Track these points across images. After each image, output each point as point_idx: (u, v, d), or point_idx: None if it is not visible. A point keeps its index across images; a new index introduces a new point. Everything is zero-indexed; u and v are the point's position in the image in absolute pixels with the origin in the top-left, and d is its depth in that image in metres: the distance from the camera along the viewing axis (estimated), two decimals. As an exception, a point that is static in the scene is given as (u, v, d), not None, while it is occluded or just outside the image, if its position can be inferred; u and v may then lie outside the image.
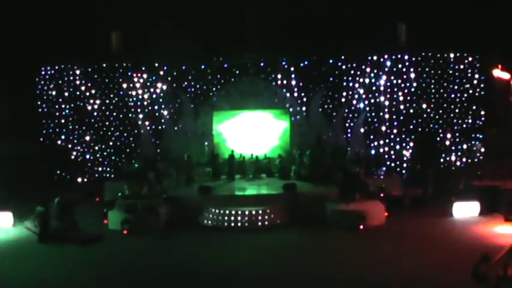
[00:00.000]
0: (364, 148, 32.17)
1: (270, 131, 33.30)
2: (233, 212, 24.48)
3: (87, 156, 33.15)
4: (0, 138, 30.36)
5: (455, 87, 32.39)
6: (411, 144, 32.67)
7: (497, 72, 30.81)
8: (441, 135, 32.55)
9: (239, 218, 24.23)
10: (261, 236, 22.61)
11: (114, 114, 33.09)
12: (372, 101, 32.99)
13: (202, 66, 33.12)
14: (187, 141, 33.04)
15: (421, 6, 30.23)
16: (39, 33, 31.38)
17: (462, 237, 20.70)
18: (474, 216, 23.90)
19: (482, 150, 32.25)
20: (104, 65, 32.81)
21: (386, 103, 32.79)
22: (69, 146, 32.98)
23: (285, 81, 33.34)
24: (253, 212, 24.45)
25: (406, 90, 32.59)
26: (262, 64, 33.11)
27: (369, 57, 32.75)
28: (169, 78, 33.27)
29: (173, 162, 31.29)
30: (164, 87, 33.28)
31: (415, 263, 17.47)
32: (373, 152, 31.80)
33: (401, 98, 32.61)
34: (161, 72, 33.17)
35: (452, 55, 32.27)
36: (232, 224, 24.13)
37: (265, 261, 18.65)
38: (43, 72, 32.84)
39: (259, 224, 24.09)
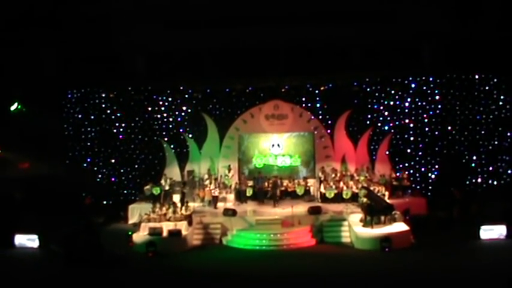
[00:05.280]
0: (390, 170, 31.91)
1: (295, 154, 33.23)
2: (258, 235, 24.57)
3: (113, 179, 33.32)
4: (26, 159, 30.76)
5: (481, 108, 32.09)
6: (437, 166, 32.45)
7: None
8: (467, 157, 32.28)
9: (264, 241, 24.30)
10: (289, 258, 22.59)
11: (139, 137, 33.26)
12: (397, 123, 32.83)
13: (227, 90, 33.19)
14: (212, 164, 33.09)
15: (446, 27, 30.19)
16: (66, 58, 31.84)
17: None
18: (502, 239, 23.61)
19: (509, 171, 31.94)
20: (129, 88, 33.02)
21: (412, 125, 32.65)
22: (95, 168, 33.18)
23: (309, 104, 33.29)
24: (278, 235, 24.50)
25: (431, 112, 32.41)
26: (286, 87, 33.07)
27: (394, 80, 32.64)
28: (194, 101, 33.38)
29: (198, 185, 31.49)
30: (189, 110, 33.40)
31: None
32: (398, 174, 31.53)
33: (426, 120, 32.45)
34: (186, 96, 33.30)
35: (477, 76, 32.06)
36: (258, 247, 24.17)
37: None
38: (69, 96, 33.13)
39: (285, 246, 24.10)
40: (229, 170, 32.03)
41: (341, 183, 30.40)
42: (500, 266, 19.27)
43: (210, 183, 30.36)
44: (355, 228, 24.44)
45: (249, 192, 30.70)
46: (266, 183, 30.47)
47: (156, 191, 30.03)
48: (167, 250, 23.37)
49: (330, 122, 33.38)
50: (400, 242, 23.08)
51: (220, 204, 29.39)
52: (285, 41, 31.02)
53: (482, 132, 32.14)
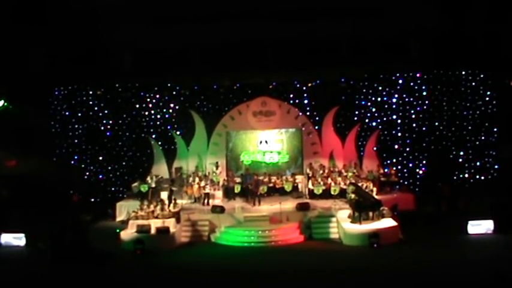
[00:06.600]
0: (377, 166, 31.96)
1: (283, 150, 33.26)
2: (246, 231, 24.55)
3: (100, 176, 33.19)
4: (13, 157, 30.61)
5: (468, 104, 32.17)
6: (424, 161, 32.54)
7: None
8: (454, 152, 32.38)
9: (252, 238, 24.29)
10: (277, 255, 22.62)
11: (127, 134, 33.15)
12: (385, 119, 32.90)
13: (214, 86, 33.12)
14: (200, 161, 33.04)
15: (433, 23, 30.22)
16: (53, 55, 31.62)
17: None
18: (489, 233, 23.73)
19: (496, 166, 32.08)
20: (117, 85, 32.89)
21: (399, 121, 32.72)
22: (83, 165, 33.03)
23: (297, 100, 33.29)
24: (267, 231, 24.49)
25: (418, 108, 32.47)
26: (274, 83, 33.04)
27: (381, 76, 32.68)
28: (181, 98, 33.32)
29: (186, 182, 31.41)
30: (176, 107, 33.32)
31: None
32: (386, 170, 31.58)
33: (413, 116, 32.52)
34: (173, 92, 33.22)
35: (464, 72, 32.15)
36: (246, 243, 24.17)
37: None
38: (56, 93, 32.94)
39: (273, 243, 24.10)
40: (217, 167, 32.02)
41: (329, 180, 30.41)
42: (487, 261, 19.39)
43: (194, 180, 30.28)
44: (344, 224, 24.47)
45: (237, 189, 30.66)
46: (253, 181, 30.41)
47: (143, 188, 29.98)
48: (155, 248, 23.30)
49: (317, 118, 33.40)
50: (388, 237, 23.15)
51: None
52: (272, 37, 30.95)
53: (469, 127, 32.23)
